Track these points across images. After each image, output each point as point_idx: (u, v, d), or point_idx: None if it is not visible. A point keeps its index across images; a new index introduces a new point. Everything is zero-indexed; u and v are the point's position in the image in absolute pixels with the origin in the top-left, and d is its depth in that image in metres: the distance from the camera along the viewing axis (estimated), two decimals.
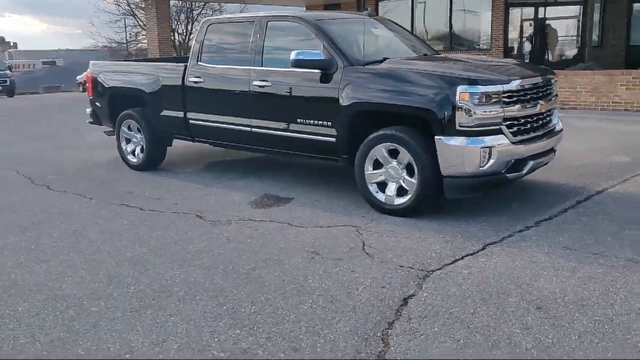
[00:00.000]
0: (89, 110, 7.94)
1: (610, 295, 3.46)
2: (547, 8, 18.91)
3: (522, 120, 4.94)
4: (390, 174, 5.06)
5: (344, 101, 5.21)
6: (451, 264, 4.02)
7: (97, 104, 7.73)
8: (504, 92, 4.73)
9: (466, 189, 4.80)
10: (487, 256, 4.12)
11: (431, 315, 3.27)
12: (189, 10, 43.95)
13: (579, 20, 18.72)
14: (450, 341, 2.99)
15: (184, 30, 42.55)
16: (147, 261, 4.22)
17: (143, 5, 21.90)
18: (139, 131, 7.20)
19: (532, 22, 19.20)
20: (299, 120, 5.59)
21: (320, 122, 5.43)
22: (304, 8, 28.25)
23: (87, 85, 7.87)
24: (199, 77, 6.40)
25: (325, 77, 5.38)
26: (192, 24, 45.75)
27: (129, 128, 7.32)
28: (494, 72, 4.98)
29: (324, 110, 5.40)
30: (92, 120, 7.97)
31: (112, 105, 7.49)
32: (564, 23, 18.94)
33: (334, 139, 5.36)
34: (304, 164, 7.31)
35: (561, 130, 5.57)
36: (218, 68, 6.31)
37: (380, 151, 5.06)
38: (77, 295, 3.67)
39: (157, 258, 4.28)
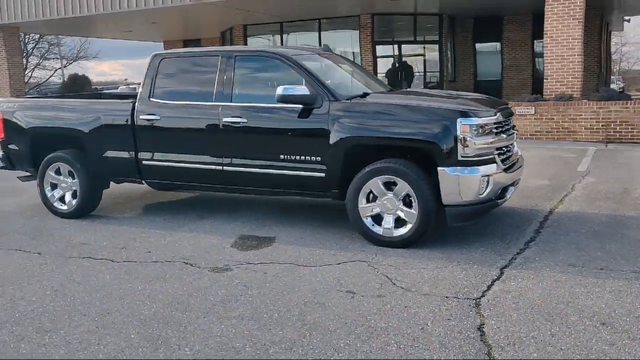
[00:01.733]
0: None
1: None
2: (411, 45, 20.40)
3: (504, 150, 5.29)
4: (387, 207, 5.10)
5: (335, 135, 5.18)
6: (488, 290, 4.15)
7: (11, 146, 6.83)
8: (494, 124, 5.03)
9: (467, 216, 5.00)
10: (513, 280, 4.31)
11: (518, 342, 3.35)
12: (22, 43, 40.72)
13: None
14: None
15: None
16: (175, 317, 3.81)
17: None
18: (71, 175, 6.48)
19: (394, 59, 20.60)
20: (282, 156, 5.44)
21: (308, 158, 5.34)
22: (162, 43, 27.67)
23: None
24: (154, 115, 5.96)
25: (309, 112, 5.32)
26: (28, 58, 42.39)
27: (57, 172, 6.57)
28: (478, 105, 5.27)
29: (311, 145, 5.32)
30: (3, 165, 7.02)
31: (35, 147, 6.68)
32: (427, 59, 20.54)
33: (324, 174, 5.30)
34: (258, 200, 7.10)
35: (522, 157, 6.02)
36: (177, 104, 5.93)
37: (376, 184, 5.09)
38: None
39: (184, 313, 3.88)
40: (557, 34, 12.47)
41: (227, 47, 5.93)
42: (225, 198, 7.30)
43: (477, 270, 4.53)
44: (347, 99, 5.34)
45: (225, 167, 5.71)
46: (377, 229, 5.16)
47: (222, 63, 5.77)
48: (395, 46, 20.37)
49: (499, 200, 5.18)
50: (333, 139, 5.19)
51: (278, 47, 6.05)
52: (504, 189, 5.23)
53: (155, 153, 6.03)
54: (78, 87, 39.59)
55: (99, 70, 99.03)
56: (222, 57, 5.80)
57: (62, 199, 6.62)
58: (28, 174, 7.06)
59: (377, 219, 5.19)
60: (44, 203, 6.71)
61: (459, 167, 4.85)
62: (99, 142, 6.27)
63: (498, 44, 21.86)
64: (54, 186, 6.64)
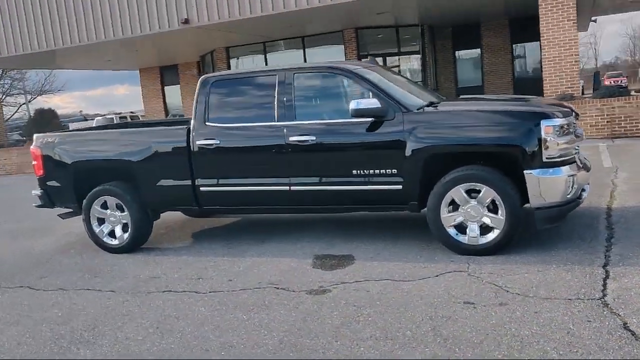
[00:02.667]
0: (37, 192, 6.70)
1: None
2: (394, 57, 20.59)
3: (577, 149, 5.31)
4: (470, 214, 5.05)
5: (413, 146, 5.11)
6: (605, 289, 4.11)
7: (51, 183, 6.56)
8: (568, 124, 5.05)
9: (555, 218, 4.98)
10: (624, 277, 4.28)
11: None
12: None
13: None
14: None
15: None
16: (306, 344, 3.66)
17: None
18: (119, 208, 6.25)
19: None
20: (355, 172, 5.35)
21: (383, 171, 5.26)
22: (138, 71, 27.31)
23: (34, 162, 6.64)
24: (213, 139, 5.80)
25: (380, 125, 5.25)
26: None
27: (104, 206, 6.33)
28: (550, 107, 5.28)
29: (387, 158, 5.24)
30: (42, 203, 6.73)
31: (78, 182, 6.43)
32: (411, 70, 20.76)
33: (401, 186, 5.22)
34: (310, 219, 6.97)
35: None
36: (238, 127, 5.79)
37: (459, 192, 5.03)
38: None
39: (312, 339, 3.72)
40: (554, 36, 12.74)
41: (284, 65, 5.82)
42: (273, 219, 7.16)
43: (581, 270, 4.50)
44: (418, 109, 5.29)
45: (292, 187, 5.58)
46: (461, 238, 5.10)
47: (280, 82, 5.66)
48: (380, 59, 20.50)
49: (580, 200, 5.18)
50: (410, 149, 5.12)
51: (335, 62, 5.93)
52: (582, 189, 5.24)
53: (214, 179, 5.86)
54: (46, 121, 38.78)
55: (53, 104, 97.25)
56: (280, 76, 5.69)
57: (111, 234, 6.38)
58: (69, 210, 6.80)
59: (460, 227, 5.13)
60: (92, 239, 6.46)
61: (545, 169, 4.83)
62: (151, 172, 6.07)
63: (478, 51, 22.25)
64: (101, 221, 6.40)
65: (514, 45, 21.64)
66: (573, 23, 12.62)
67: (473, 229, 5.07)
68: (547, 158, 4.83)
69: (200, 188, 5.93)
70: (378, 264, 5.12)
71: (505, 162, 5.01)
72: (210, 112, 5.90)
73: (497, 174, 4.94)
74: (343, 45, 19.69)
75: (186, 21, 15.20)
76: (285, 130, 5.55)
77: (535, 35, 21.47)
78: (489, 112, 5.12)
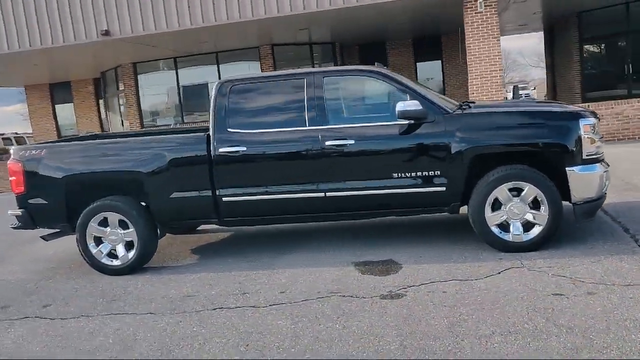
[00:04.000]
0: (15, 212, 5.91)
1: None
2: None
3: None
4: (514, 212, 5.17)
5: (458, 147, 5.15)
6: None
7: (34, 201, 5.82)
8: (596, 124, 5.36)
9: (591, 212, 5.22)
10: None
11: None
12: None
13: None
14: None
15: None
16: (431, 346, 3.52)
17: None
18: (122, 225, 5.69)
19: None
20: (395, 175, 5.28)
21: (426, 173, 5.24)
22: (24, 88, 25.23)
23: (13, 178, 5.85)
24: (237, 146, 5.47)
25: (419, 127, 5.25)
26: None
27: (102, 223, 5.72)
28: (579, 107, 5.55)
29: (429, 160, 5.23)
30: (21, 224, 5.94)
31: (71, 199, 5.76)
32: None
33: (445, 188, 5.23)
34: (322, 227, 6.78)
35: None
36: (266, 133, 5.49)
37: (503, 191, 5.14)
38: None
39: (435, 340, 3.59)
40: (480, 52, 13.52)
41: (312, 69, 5.64)
42: (264, 231, 6.87)
43: (630, 258, 4.74)
44: (456, 111, 5.35)
45: (328, 194, 5.40)
46: (505, 236, 5.20)
47: (309, 85, 5.48)
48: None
49: (605, 195, 5.48)
50: (455, 150, 5.16)
51: (363, 66, 5.83)
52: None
53: (240, 188, 5.52)
54: None
55: None
56: (309, 79, 5.50)
57: (111, 254, 5.77)
58: (54, 230, 6.07)
59: (501, 225, 5.23)
60: (88, 261, 5.80)
61: (584, 166, 5.08)
62: (164, 183, 5.59)
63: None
64: (97, 240, 5.77)
65: (417, 64, 22.67)
66: (497, 40, 13.49)
67: (517, 227, 5.18)
68: (586, 155, 5.08)
69: (223, 199, 5.54)
70: (428, 267, 5.07)
71: (544, 161, 5.19)
72: (232, 117, 5.56)
73: (539, 173, 5.10)
74: (259, 62, 19.51)
75: (106, 33, 14.27)
76: (320, 135, 5.36)
77: (437, 54, 22.89)
78: (530, 113, 5.30)
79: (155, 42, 16.17)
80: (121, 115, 21.65)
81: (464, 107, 5.55)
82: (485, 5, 13.37)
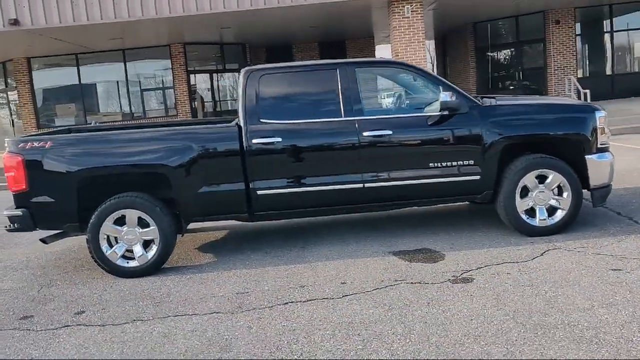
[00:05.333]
0: (12, 212, 5.27)
1: None
2: (221, 74, 20.37)
3: None
4: (540, 198, 5.50)
5: (490, 137, 5.38)
6: None
7: (39, 199, 5.22)
8: None
9: (605, 197, 5.69)
10: None
11: None
12: None
13: None
14: None
15: None
16: (576, 319, 3.69)
17: None
18: (141, 223, 5.29)
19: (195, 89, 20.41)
20: (432, 164, 5.42)
21: (461, 163, 5.43)
22: None
23: (11, 173, 5.19)
24: (273, 137, 5.30)
25: (451, 118, 5.44)
26: None
27: (119, 222, 5.28)
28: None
29: (464, 150, 5.42)
30: (19, 226, 5.30)
31: (84, 195, 5.25)
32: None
33: (479, 177, 5.45)
34: (332, 220, 6.72)
35: None
36: (300, 123, 5.37)
37: (532, 179, 5.46)
38: None
39: (571, 314, 3.77)
40: (406, 55, 14.10)
41: (344, 60, 5.60)
42: (291, 223, 6.72)
43: None
44: (484, 104, 5.59)
45: (367, 184, 5.40)
46: (532, 221, 5.52)
47: (343, 76, 5.45)
48: (207, 75, 20.12)
49: None
50: (488, 141, 5.39)
51: (393, 58, 5.89)
52: None
53: (277, 180, 5.35)
54: None
55: None
56: (342, 70, 5.47)
57: (126, 255, 5.34)
58: (56, 232, 5.49)
59: (528, 211, 5.55)
60: (100, 263, 5.30)
61: (600, 154, 5.54)
62: (192, 177, 5.26)
63: None
64: (109, 241, 5.32)
65: None
66: (422, 45, 14.15)
67: (543, 212, 5.52)
68: (600, 144, 5.55)
69: (258, 192, 5.34)
70: (469, 253, 5.24)
71: (562, 150, 5.58)
72: (264, 108, 5.38)
73: (562, 161, 5.49)
74: (170, 60, 18.82)
75: (15, 22, 13.00)
76: (357, 125, 5.36)
77: (343, 58, 23.40)
78: (553, 105, 5.68)
79: (62, 36, 15.04)
80: (11, 114, 19.82)
81: (485, 100, 5.82)
82: (411, 11, 13.97)
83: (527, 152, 5.58)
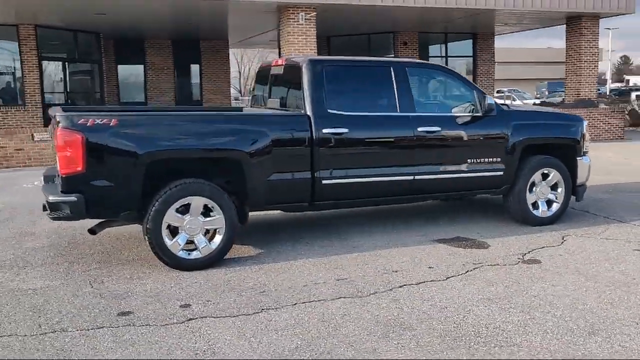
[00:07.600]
0: (64, 197, 4.59)
1: None
2: (75, 64, 18.65)
3: None
4: (542, 193, 6.40)
5: (514, 138, 6.12)
6: None
7: (98, 183, 4.64)
8: None
9: (583, 193, 6.77)
10: None
11: None
12: None
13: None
14: None
15: None
16: None
17: None
18: (205, 211, 5.00)
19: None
20: (469, 160, 5.98)
21: (491, 160, 6.07)
22: None
23: (66, 153, 4.50)
24: (341, 128, 5.39)
25: (481, 119, 6.08)
26: None
27: (183, 210, 4.93)
28: None
29: (493, 148, 6.08)
30: (69, 212, 4.62)
31: (149, 181, 4.79)
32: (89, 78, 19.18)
33: (502, 172, 6.15)
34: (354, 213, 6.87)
35: None
36: (365, 116, 5.54)
37: (538, 175, 6.33)
38: None
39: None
40: None
41: (395, 59, 5.88)
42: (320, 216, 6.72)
43: None
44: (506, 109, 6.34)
45: (416, 177, 5.77)
46: (536, 212, 6.39)
47: (397, 73, 5.74)
48: (60, 63, 18.24)
49: None
50: (513, 141, 6.13)
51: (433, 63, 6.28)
52: None
53: (340, 170, 5.44)
54: None
55: None
56: (395, 68, 5.77)
57: (188, 246, 5.00)
58: (102, 220, 4.91)
59: (533, 204, 6.41)
60: (160, 256, 4.88)
61: (584, 157, 6.62)
62: (264, 164, 5.12)
63: (141, 67, 22.03)
64: (173, 230, 4.94)
65: (177, 65, 22.37)
66: (314, 51, 14.67)
67: (543, 204, 6.42)
68: (585, 148, 6.64)
69: (323, 181, 5.37)
70: (506, 239, 5.88)
71: (564, 152, 6.50)
72: (330, 98, 5.45)
73: (560, 161, 6.45)
74: (17, 42, 16.73)
75: None
76: (412, 121, 5.71)
77: (197, 58, 22.89)
78: (557, 114, 6.64)
79: None
80: None
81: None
82: (305, 19, 14.45)
83: (537, 153, 6.41)
